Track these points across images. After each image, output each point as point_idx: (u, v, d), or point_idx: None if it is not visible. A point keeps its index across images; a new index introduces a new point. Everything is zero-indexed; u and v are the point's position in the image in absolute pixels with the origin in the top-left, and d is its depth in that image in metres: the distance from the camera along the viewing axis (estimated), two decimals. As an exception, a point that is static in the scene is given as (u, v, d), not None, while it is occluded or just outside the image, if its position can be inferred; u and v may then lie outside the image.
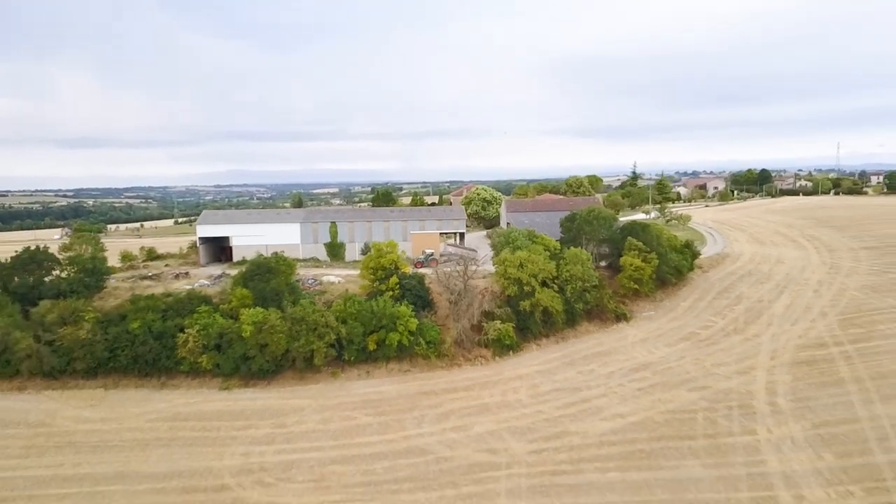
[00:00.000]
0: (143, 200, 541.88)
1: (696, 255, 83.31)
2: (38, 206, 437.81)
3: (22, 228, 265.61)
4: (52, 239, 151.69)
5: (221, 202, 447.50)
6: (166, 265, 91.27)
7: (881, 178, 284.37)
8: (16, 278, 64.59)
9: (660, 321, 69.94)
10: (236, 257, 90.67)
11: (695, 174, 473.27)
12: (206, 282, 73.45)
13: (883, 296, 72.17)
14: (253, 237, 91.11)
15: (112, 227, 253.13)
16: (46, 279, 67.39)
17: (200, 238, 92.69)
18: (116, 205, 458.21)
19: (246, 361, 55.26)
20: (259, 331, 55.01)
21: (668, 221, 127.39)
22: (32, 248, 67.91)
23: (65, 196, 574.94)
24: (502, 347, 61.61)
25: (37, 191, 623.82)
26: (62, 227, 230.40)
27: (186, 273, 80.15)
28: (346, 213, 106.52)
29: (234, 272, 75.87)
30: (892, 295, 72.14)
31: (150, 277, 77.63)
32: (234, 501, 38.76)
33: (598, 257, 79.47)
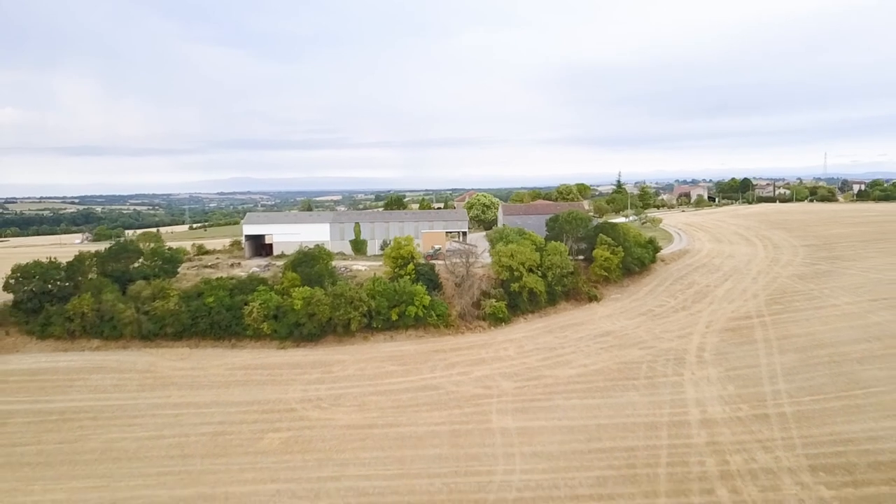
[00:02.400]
0: (150, 207, 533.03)
1: (657, 249, 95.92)
2: (48, 212, 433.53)
3: (38, 234, 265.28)
4: (73, 243, 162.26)
5: (226, 209, 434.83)
6: (217, 258, 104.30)
7: (862, 186, 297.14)
8: (111, 265, 77.43)
9: (624, 301, 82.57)
10: (276, 251, 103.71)
11: (693, 182, 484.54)
12: (257, 269, 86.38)
13: (806, 282, 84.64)
14: (290, 234, 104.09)
15: (129, 232, 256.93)
16: (132, 266, 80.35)
17: (246, 235, 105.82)
18: (124, 211, 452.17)
19: (298, 327, 68.06)
20: (308, 304, 67.86)
21: (643, 223, 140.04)
22: (122, 241, 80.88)
23: (72, 203, 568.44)
24: (496, 320, 74.30)
25: (42, 198, 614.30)
26: (82, 232, 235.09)
27: (239, 263, 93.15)
28: (367, 215, 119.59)
29: (277, 263, 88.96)
30: (814, 281, 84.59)
31: (210, 266, 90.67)
32: (301, 418, 51.44)
33: (577, 251, 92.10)
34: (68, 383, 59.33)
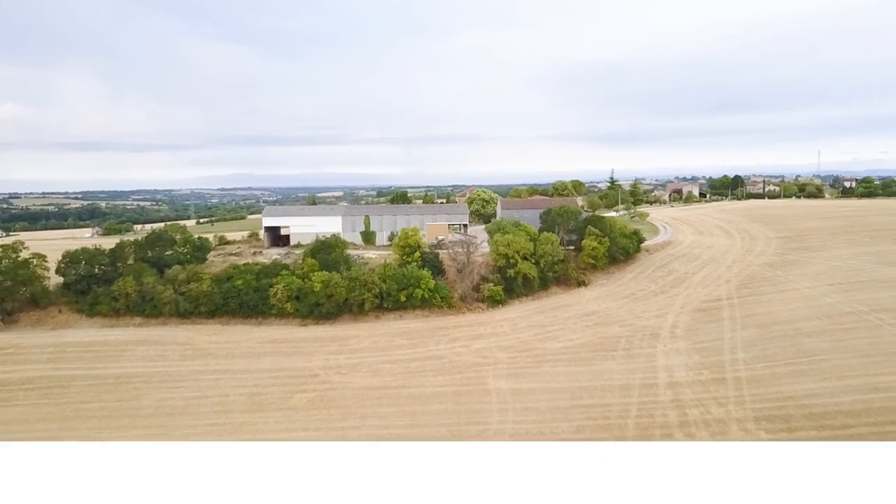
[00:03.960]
0: (153, 203, 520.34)
1: (641, 240, 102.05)
2: (52, 207, 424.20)
3: (46, 228, 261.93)
4: (84, 237, 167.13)
5: (228, 205, 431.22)
6: (238, 248, 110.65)
7: (853, 183, 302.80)
8: (148, 252, 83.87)
9: (609, 286, 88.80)
10: (293, 242, 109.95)
11: (693, 179, 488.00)
12: (278, 256, 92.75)
13: (775, 270, 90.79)
14: (305, 226, 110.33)
15: (137, 226, 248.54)
16: (166, 253, 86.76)
17: (265, 227, 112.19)
18: (128, 207, 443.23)
19: (317, 307, 74.44)
20: (326, 286, 74.23)
21: (631, 217, 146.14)
22: (158, 230, 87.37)
23: (75, 198, 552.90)
24: (494, 302, 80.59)
25: (45, 193, 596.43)
26: (91, 227, 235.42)
27: (260, 252, 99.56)
28: (376, 209, 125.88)
29: (295, 252, 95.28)
30: (782, 269, 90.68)
31: (234, 254, 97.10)
32: (324, 382, 57.87)
33: (567, 241, 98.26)
34: (118, 353, 65.83)
